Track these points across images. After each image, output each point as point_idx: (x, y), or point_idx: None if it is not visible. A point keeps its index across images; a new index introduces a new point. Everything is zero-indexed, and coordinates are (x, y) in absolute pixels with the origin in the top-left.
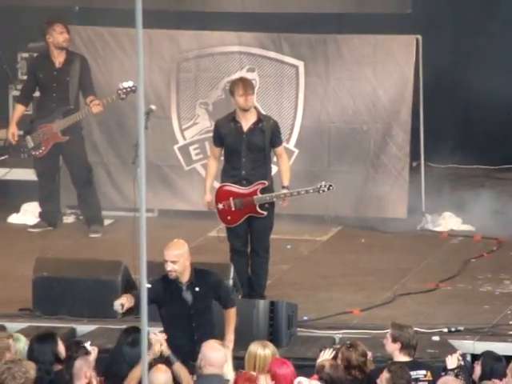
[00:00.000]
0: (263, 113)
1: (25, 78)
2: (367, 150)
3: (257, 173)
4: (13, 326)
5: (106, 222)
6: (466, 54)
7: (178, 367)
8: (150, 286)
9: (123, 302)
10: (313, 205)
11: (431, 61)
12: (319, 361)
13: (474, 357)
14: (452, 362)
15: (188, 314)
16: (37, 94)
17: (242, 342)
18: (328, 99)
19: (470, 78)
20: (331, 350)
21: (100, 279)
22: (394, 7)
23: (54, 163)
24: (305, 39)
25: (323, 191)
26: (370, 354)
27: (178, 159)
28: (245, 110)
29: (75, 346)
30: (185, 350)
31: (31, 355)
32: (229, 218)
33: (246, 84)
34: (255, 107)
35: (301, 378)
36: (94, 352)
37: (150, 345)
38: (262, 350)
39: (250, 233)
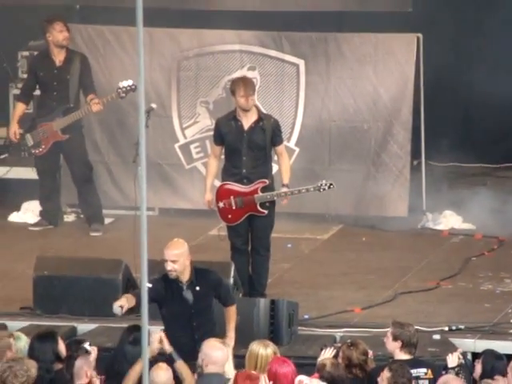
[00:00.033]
0: (264, 111)
1: (25, 76)
2: (368, 148)
3: (257, 171)
4: (14, 324)
5: (107, 220)
6: (466, 52)
7: (181, 365)
8: (150, 285)
9: (122, 304)
10: (314, 203)
11: (432, 59)
12: (320, 359)
13: (475, 355)
14: (453, 360)
15: (189, 313)
16: (37, 92)
17: (242, 341)
18: (329, 98)
19: (471, 76)
20: (332, 348)
21: (101, 278)
22: (395, 5)
23: (54, 162)
24: (305, 37)
25: (324, 190)
26: (370, 353)
27: (179, 158)
28: (246, 110)
29: (75, 345)
30: (186, 349)
31: (32, 354)
32: (229, 216)
33: (246, 85)
34: (256, 106)
35: (302, 377)
36: (93, 352)
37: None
38: (263, 349)
39: (250, 231)
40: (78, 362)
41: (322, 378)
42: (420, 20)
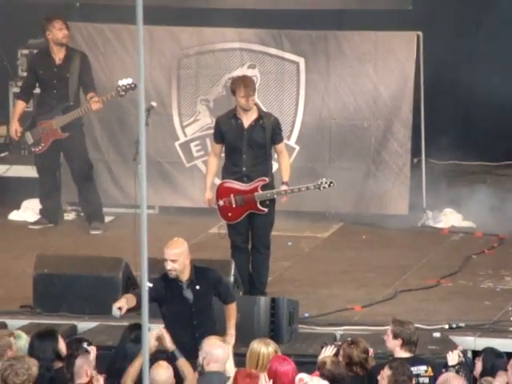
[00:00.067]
0: (264, 109)
1: (25, 74)
2: (368, 146)
3: (257, 169)
4: (14, 322)
5: (107, 218)
6: (466, 50)
7: (183, 363)
8: (151, 285)
9: (121, 305)
10: (314, 201)
11: (432, 57)
12: (320, 357)
13: (475, 353)
14: (453, 358)
15: (189, 312)
16: (37, 90)
17: (243, 339)
18: (329, 96)
19: (471, 74)
20: (332, 346)
21: (101, 276)
22: (395, 4)
23: (54, 160)
24: (305, 36)
25: (324, 188)
26: (371, 351)
27: (179, 156)
28: (246, 110)
29: (76, 344)
30: (186, 347)
31: (32, 352)
32: (229, 214)
33: (247, 85)
34: (256, 104)
35: (302, 375)
36: (92, 351)
37: None
38: (265, 348)
39: (250, 229)
40: (79, 361)
41: (322, 376)
42: (420, 18)
